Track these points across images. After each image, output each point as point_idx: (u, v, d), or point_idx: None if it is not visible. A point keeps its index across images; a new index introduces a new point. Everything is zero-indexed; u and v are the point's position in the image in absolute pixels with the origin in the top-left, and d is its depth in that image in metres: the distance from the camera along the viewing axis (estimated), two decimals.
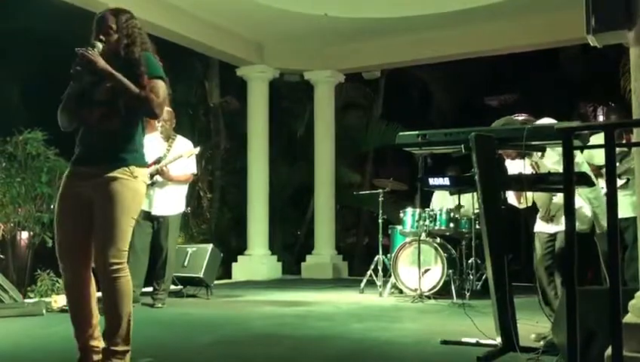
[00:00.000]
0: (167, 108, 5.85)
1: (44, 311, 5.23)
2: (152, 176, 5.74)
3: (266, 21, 8.92)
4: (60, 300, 5.58)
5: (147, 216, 5.82)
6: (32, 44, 11.28)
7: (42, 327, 4.68)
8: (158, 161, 5.76)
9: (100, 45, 2.90)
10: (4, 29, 10.70)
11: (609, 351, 2.22)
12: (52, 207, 7.98)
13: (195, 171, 6.07)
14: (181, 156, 5.79)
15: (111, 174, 2.84)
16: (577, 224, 3.78)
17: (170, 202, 5.86)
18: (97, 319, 3.01)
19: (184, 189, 6.01)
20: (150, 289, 6.10)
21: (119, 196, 2.82)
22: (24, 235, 8.28)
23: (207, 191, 11.83)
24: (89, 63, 2.80)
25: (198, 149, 6.00)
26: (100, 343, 2.98)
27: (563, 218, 3.83)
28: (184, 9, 8.42)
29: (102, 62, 2.83)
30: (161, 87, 2.93)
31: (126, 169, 2.86)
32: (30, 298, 6.87)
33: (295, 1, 8.41)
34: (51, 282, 7.70)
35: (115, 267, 2.85)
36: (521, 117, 4.07)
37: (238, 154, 10.84)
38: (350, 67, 10.39)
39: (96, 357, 2.96)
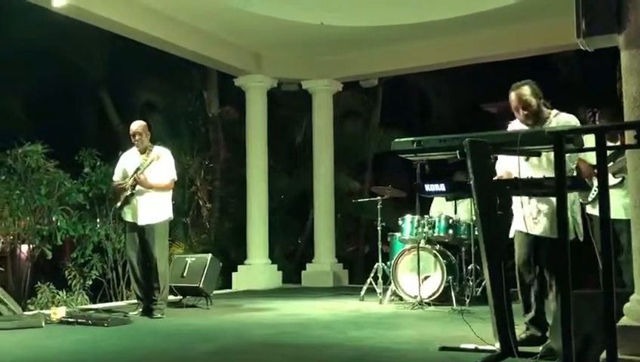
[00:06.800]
0: (139, 122, 5.97)
1: (43, 323, 5.22)
2: (132, 186, 5.77)
3: (264, 31, 8.96)
4: (59, 312, 5.58)
5: (134, 227, 5.84)
6: (34, 57, 11.35)
7: (40, 339, 4.68)
8: (136, 172, 5.79)
9: None
10: (6, 40, 10.76)
11: (604, 354, 2.22)
12: (52, 219, 8.01)
13: (175, 177, 6.03)
14: (152, 161, 5.78)
15: None
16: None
17: (155, 210, 5.84)
18: None
19: (168, 196, 5.99)
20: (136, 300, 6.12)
21: None
22: (24, 248, 8.28)
23: (207, 201, 11.83)
24: None
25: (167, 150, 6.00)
26: None
27: (543, 221, 3.84)
28: (182, 21, 8.45)
29: None
30: None
31: None
32: (30, 310, 6.87)
33: (292, 10, 8.44)
34: (51, 294, 7.71)
35: None
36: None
37: (238, 164, 10.86)
38: (347, 75, 10.42)
39: None
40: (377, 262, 7.11)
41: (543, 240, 3.87)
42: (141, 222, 5.80)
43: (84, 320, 5.33)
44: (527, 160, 3.82)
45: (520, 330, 3.89)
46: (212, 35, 9.06)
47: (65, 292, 7.88)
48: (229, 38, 9.30)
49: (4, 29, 10.41)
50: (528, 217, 3.84)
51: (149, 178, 5.79)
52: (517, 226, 4.02)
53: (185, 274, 6.71)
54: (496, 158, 3.96)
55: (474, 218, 6.17)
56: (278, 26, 8.74)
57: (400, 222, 7.01)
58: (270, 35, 9.11)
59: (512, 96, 3.93)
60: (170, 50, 8.86)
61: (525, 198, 3.78)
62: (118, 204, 5.89)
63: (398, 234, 7.12)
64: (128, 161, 5.99)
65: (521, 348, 3.49)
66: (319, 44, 9.39)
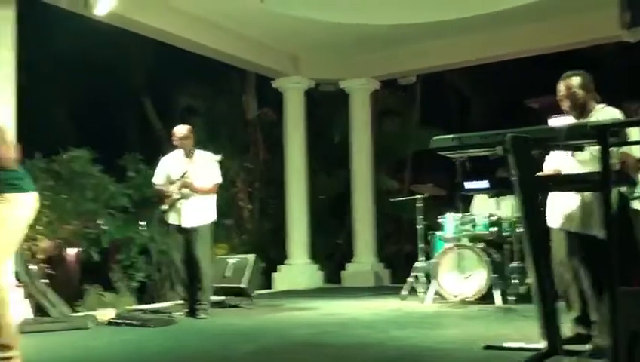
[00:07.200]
0: (186, 126, 6.08)
1: (91, 325, 5.34)
2: (180, 190, 5.87)
3: (300, 32, 8.99)
4: (106, 313, 5.71)
5: (179, 229, 5.94)
6: (78, 65, 11.63)
7: (87, 340, 4.79)
8: (183, 176, 5.89)
9: None
10: (51, 49, 11.04)
11: None
12: (99, 222, 8.21)
13: (220, 181, 6.13)
14: (204, 165, 5.94)
15: None
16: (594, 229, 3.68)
17: (199, 213, 5.94)
18: None
19: (212, 200, 6.07)
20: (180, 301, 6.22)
21: None
22: (71, 251, 8.50)
23: (247, 202, 11.94)
24: None
25: (219, 156, 6.07)
26: None
27: (575, 217, 3.76)
28: (219, 24, 8.55)
29: None
30: None
31: None
32: (78, 312, 7.04)
33: (327, 11, 8.46)
34: (98, 296, 7.90)
35: None
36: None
37: (277, 165, 10.92)
38: (385, 73, 10.38)
39: None
40: (418, 261, 7.07)
41: (576, 236, 3.81)
42: (185, 224, 5.90)
43: (130, 321, 5.44)
44: (573, 155, 3.75)
45: (566, 328, 3.82)
46: (249, 38, 9.13)
47: (112, 294, 8.06)
48: (266, 40, 9.36)
49: (49, 38, 10.67)
50: (562, 213, 3.79)
51: (195, 182, 5.89)
52: (553, 223, 3.96)
53: (227, 274, 6.79)
54: (541, 154, 3.90)
55: (517, 215, 6.08)
56: (314, 27, 8.77)
57: (441, 221, 6.96)
58: (307, 36, 9.14)
59: (561, 85, 3.90)
60: (209, 54, 8.98)
61: (564, 194, 3.72)
62: (165, 206, 5.99)
63: (439, 233, 7.07)
64: (171, 165, 6.09)
65: (567, 347, 3.43)
66: (356, 43, 9.38)
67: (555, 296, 3.46)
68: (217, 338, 4.88)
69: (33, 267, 6.37)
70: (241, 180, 11.82)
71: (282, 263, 10.01)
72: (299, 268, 9.87)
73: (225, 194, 10.98)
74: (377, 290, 8.86)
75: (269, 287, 9.71)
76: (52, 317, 5.66)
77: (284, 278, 9.78)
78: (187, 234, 5.91)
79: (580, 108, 3.84)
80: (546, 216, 3.96)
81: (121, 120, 13.75)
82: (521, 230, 5.08)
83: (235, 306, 6.72)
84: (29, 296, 5.82)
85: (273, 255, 10.66)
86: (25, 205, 3.22)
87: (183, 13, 8.05)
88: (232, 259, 7.03)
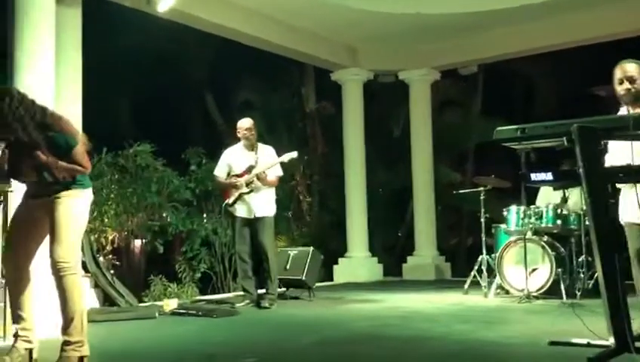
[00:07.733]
0: (249, 119, 6.15)
1: (156, 314, 5.49)
2: (248, 183, 5.94)
3: (358, 23, 8.95)
4: (171, 303, 5.85)
5: (247, 222, 6.02)
6: (141, 61, 11.93)
7: (153, 330, 4.93)
8: (249, 170, 5.95)
9: None
10: (117, 45, 11.36)
11: None
12: (164, 215, 8.41)
13: (281, 173, 6.26)
14: (282, 161, 6.04)
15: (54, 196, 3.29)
16: None
17: (267, 205, 6.06)
18: (29, 313, 3.34)
19: (274, 192, 6.20)
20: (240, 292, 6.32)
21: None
22: (137, 243, 8.75)
23: (307, 195, 12.00)
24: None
25: (295, 153, 6.12)
26: (29, 334, 3.32)
27: None
28: (280, 19, 8.62)
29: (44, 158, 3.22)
30: (78, 155, 3.31)
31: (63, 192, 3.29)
32: (144, 302, 7.25)
33: (385, 1, 8.38)
34: (163, 287, 8.10)
35: (60, 266, 3.19)
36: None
37: (336, 158, 10.93)
38: (445, 64, 10.21)
39: (25, 345, 3.29)
40: (481, 254, 6.95)
41: None
42: (254, 216, 5.99)
43: (194, 312, 5.56)
44: None
45: (637, 324, 3.67)
46: (308, 31, 9.16)
47: (176, 285, 8.25)
48: (324, 32, 9.37)
49: (111, 35, 10.96)
50: (633, 206, 3.64)
51: (269, 175, 5.99)
52: (627, 217, 3.82)
53: (288, 266, 6.84)
54: (605, 145, 3.77)
55: (584, 207, 5.89)
56: (372, 18, 8.71)
57: (505, 213, 6.81)
58: (366, 27, 9.09)
59: (617, 69, 3.78)
60: (270, 48, 9.08)
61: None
62: (231, 200, 6.06)
63: (502, 226, 6.93)
64: (234, 158, 6.17)
65: (638, 344, 3.30)
66: (415, 33, 9.26)
67: (625, 291, 3.33)
68: (279, 329, 4.93)
69: (101, 258, 6.60)
70: (300, 173, 11.89)
71: (342, 256, 10.03)
72: (359, 261, 9.86)
73: (285, 187, 11.10)
74: (438, 284, 8.77)
75: (330, 280, 9.75)
76: (120, 306, 5.84)
77: (344, 271, 9.80)
78: (255, 225, 6.00)
79: (635, 95, 3.71)
80: (613, 209, 3.83)
81: (183, 114, 14.04)
82: (589, 223, 4.93)
83: (296, 298, 6.78)
84: (95, 286, 6.03)
85: (333, 247, 10.69)
86: (88, 199, 3.44)
87: (241, 7, 8.14)
88: (292, 252, 7.08)
